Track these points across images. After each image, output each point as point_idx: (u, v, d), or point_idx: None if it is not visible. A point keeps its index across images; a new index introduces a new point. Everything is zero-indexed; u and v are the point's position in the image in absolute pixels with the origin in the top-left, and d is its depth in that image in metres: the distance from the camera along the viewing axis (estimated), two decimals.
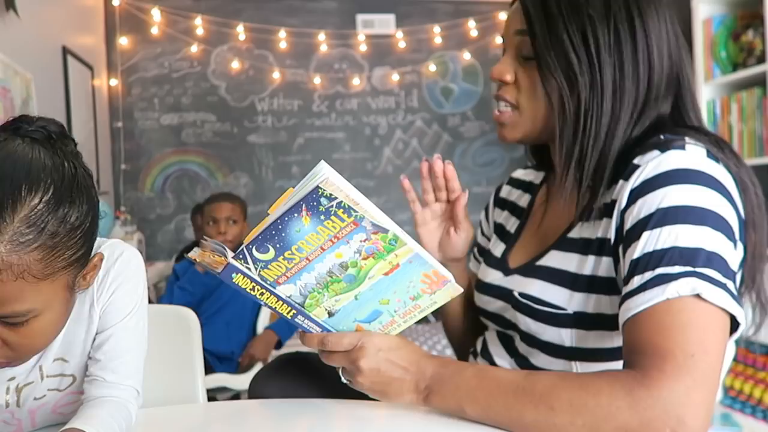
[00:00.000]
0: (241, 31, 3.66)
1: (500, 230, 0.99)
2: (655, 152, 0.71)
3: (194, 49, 3.64)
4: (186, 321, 0.97)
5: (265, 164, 3.77)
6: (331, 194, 0.57)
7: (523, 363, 0.83)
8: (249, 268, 0.62)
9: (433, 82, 3.91)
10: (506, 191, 1.03)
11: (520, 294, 0.82)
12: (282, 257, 0.62)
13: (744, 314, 0.65)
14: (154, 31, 3.59)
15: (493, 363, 0.88)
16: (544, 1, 0.76)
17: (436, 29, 3.86)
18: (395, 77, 3.85)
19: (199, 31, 3.63)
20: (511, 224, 0.97)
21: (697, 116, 0.81)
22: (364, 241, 0.62)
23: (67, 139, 0.67)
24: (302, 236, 0.60)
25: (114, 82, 3.57)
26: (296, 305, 0.68)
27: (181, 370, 0.95)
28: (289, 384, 0.92)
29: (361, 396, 0.74)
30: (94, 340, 0.72)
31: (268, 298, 0.65)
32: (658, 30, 0.76)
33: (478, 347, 0.95)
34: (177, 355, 0.96)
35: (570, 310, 0.76)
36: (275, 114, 3.78)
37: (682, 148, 0.71)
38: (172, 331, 0.97)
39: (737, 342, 0.76)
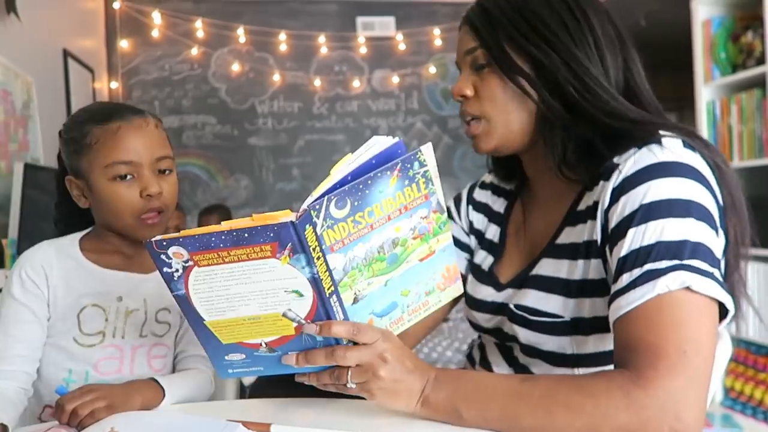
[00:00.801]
0: (241, 33, 3.67)
1: (481, 237, 0.97)
2: (632, 149, 0.71)
3: (194, 51, 3.65)
4: None
5: (265, 166, 3.77)
6: (425, 161, 0.62)
7: (524, 372, 0.83)
8: (317, 224, 0.58)
9: (433, 84, 3.92)
10: (480, 194, 1.01)
11: (516, 306, 0.81)
12: (352, 219, 0.60)
13: (731, 301, 0.66)
14: (155, 33, 3.60)
15: (489, 369, 0.88)
16: (489, 14, 0.81)
17: (436, 31, 3.86)
18: (395, 79, 3.86)
19: (200, 34, 3.63)
20: (492, 232, 0.95)
21: (651, 97, 0.81)
22: (424, 218, 0.66)
23: None
24: (381, 198, 0.61)
25: (114, 84, 3.58)
26: (335, 281, 0.62)
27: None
28: (290, 387, 0.91)
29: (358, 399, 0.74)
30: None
31: (321, 263, 0.59)
32: (596, 17, 0.78)
33: (477, 356, 0.94)
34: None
35: (567, 317, 0.76)
36: (275, 116, 3.78)
37: (658, 141, 0.71)
38: None
39: (736, 343, 0.76)
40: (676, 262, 0.63)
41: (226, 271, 0.59)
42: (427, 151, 0.63)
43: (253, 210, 3.66)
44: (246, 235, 0.56)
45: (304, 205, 0.57)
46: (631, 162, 0.70)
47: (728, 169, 0.75)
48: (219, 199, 3.67)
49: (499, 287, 0.87)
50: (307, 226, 0.57)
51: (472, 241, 0.98)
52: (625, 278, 0.66)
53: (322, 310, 0.62)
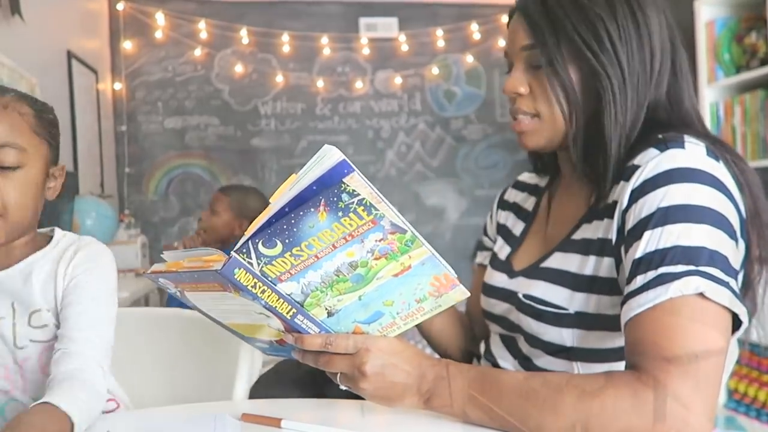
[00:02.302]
0: (244, 34, 3.67)
1: (504, 232, 0.99)
2: (654, 151, 0.71)
3: (198, 52, 3.66)
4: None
5: (268, 167, 3.78)
6: (354, 190, 0.55)
7: (526, 364, 0.84)
8: (251, 264, 0.58)
9: (435, 85, 3.92)
10: (511, 194, 1.04)
11: (524, 295, 0.82)
12: (289, 253, 0.58)
13: (746, 312, 0.65)
14: (158, 35, 3.61)
15: (496, 365, 0.88)
16: (549, 11, 0.77)
17: (439, 32, 3.86)
18: (398, 80, 3.86)
19: (203, 35, 3.64)
20: (516, 227, 0.97)
21: (693, 104, 0.82)
22: (380, 240, 0.60)
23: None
24: (315, 232, 0.57)
25: (118, 85, 3.59)
26: (296, 303, 0.64)
27: (219, 378, 0.97)
28: (289, 389, 0.92)
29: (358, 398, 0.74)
30: (60, 312, 0.78)
31: (269, 296, 0.61)
32: (656, 21, 0.78)
33: (482, 348, 0.95)
34: (216, 363, 0.98)
35: (571, 310, 0.76)
36: (278, 117, 3.79)
37: (681, 146, 0.71)
38: (211, 339, 0.99)
39: (741, 344, 0.76)
40: (691, 267, 0.63)
41: (206, 295, 0.63)
42: (353, 180, 0.54)
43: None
44: (196, 276, 0.60)
45: (233, 250, 0.57)
46: (653, 165, 0.70)
47: (754, 177, 0.75)
48: None
49: (511, 274, 0.88)
50: (236, 270, 0.57)
51: (497, 242, 0.99)
52: (639, 280, 0.66)
53: (292, 327, 0.64)
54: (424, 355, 0.72)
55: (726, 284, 0.63)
